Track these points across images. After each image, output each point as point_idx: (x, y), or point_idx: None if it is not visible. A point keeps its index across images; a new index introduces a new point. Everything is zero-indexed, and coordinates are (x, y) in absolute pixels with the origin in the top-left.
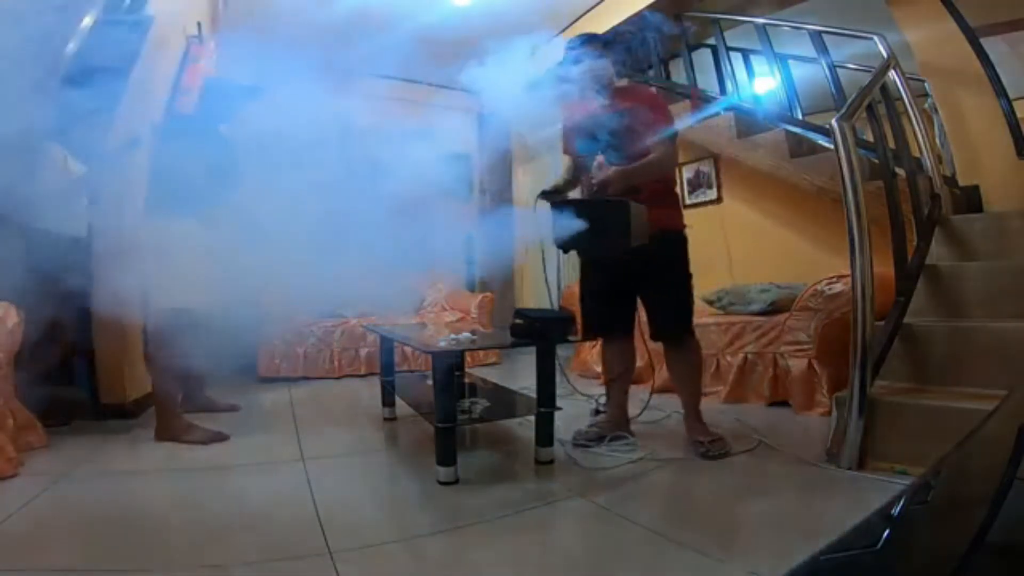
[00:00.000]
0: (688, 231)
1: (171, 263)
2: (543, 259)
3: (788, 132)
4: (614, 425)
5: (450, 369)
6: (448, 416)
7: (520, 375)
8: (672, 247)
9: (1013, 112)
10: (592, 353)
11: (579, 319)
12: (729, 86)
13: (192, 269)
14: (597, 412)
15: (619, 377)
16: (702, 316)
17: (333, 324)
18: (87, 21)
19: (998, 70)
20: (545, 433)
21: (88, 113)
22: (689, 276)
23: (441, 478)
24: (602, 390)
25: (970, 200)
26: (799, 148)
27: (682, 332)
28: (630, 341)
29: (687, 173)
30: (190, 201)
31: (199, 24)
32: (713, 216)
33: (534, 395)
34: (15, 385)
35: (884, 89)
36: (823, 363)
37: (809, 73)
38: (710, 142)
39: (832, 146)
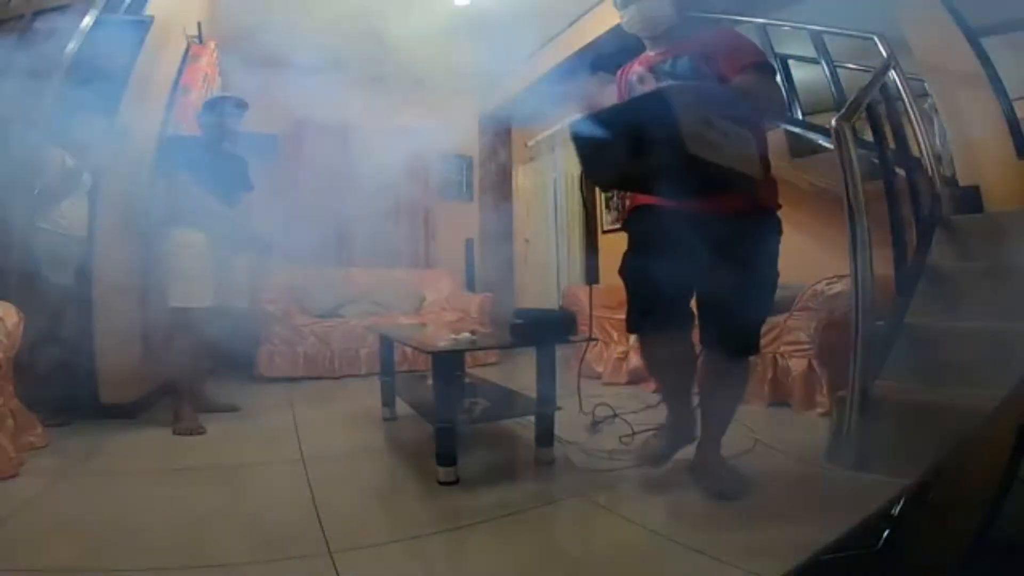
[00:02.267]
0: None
1: (176, 264)
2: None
3: (788, 132)
4: (682, 438)
5: (450, 369)
6: (448, 416)
7: (520, 375)
8: (760, 229)
9: (1013, 112)
10: (592, 352)
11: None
12: None
13: (197, 270)
14: (596, 423)
15: (679, 382)
16: None
17: (333, 324)
18: (87, 21)
19: (998, 70)
20: (545, 433)
21: (88, 112)
22: (778, 273)
23: (441, 478)
24: (602, 391)
25: (970, 200)
26: (799, 148)
27: (752, 346)
28: (689, 336)
29: None
30: (202, 212)
31: (199, 24)
32: None
33: (534, 395)
34: (15, 385)
35: (884, 89)
36: (823, 363)
37: (809, 73)
38: None
39: (832, 146)
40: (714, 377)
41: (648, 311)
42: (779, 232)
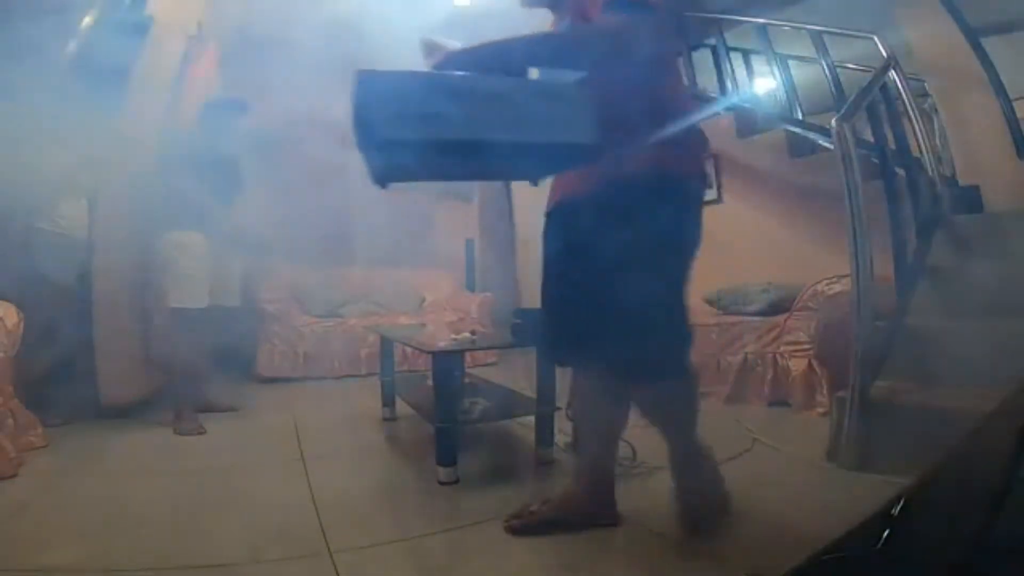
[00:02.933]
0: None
1: (174, 265)
2: None
3: (788, 132)
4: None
5: (450, 369)
6: (448, 416)
7: (520, 375)
8: (653, 203)
9: (1013, 112)
10: None
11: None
12: (729, 86)
13: (195, 271)
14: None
15: (607, 426)
16: (702, 316)
17: (333, 324)
18: (87, 21)
19: (998, 70)
20: (545, 433)
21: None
22: (685, 265)
23: (441, 478)
24: None
25: (970, 200)
26: (799, 148)
27: (667, 362)
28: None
29: None
30: (198, 213)
31: (199, 24)
32: (713, 216)
33: (534, 395)
34: (15, 385)
35: (884, 89)
36: (823, 363)
37: (809, 73)
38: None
39: (832, 146)
40: (649, 405)
41: (561, 335)
42: (674, 205)
